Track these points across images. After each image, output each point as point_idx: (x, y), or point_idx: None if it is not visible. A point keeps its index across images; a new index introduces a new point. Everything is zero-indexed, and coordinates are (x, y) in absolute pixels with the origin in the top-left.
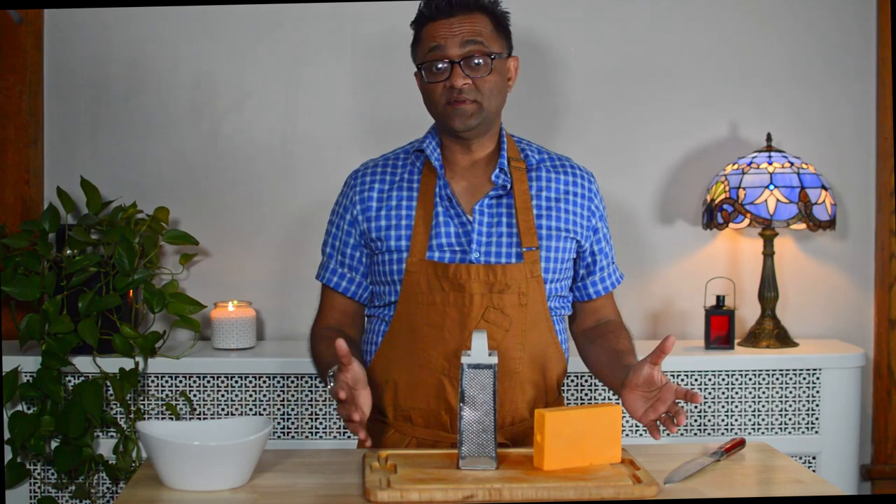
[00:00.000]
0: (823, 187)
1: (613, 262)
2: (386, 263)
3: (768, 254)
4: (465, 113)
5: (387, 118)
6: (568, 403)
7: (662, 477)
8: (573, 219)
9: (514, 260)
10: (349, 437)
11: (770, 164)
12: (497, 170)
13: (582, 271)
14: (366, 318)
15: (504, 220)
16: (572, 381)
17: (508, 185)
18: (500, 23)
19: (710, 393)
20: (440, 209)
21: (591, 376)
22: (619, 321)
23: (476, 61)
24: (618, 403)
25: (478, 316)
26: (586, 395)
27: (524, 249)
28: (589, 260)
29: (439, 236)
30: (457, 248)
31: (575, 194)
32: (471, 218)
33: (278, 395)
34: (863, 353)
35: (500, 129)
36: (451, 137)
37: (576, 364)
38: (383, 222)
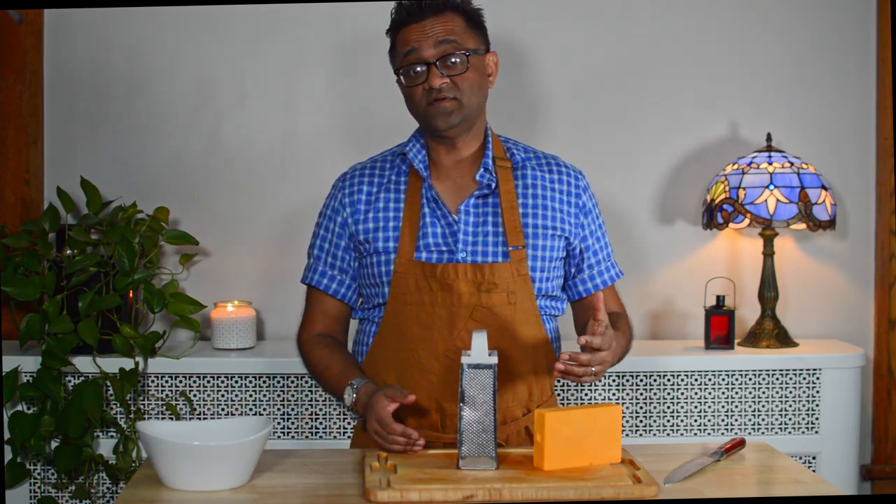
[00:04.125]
0: (823, 187)
1: (609, 259)
2: (374, 265)
3: (768, 254)
4: (445, 111)
5: (387, 118)
6: (568, 403)
7: (662, 477)
8: (560, 216)
9: (500, 259)
10: (349, 436)
11: (770, 164)
12: (481, 169)
13: (572, 269)
14: (357, 322)
15: (490, 219)
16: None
17: (494, 185)
18: (473, 20)
19: (710, 393)
20: (426, 210)
21: None
22: (621, 312)
23: (452, 60)
24: (618, 404)
25: (466, 315)
26: (586, 395)
27: (510, 248)
28: (579, 258)
29: (426, 237)
30: (444, 248)
31: (561, 192)
32: (456, 218)
33: (278, 395)
34: (863, 353)
35: (485, 129)
36: (435, 138)
37: None
38: (371, 224)
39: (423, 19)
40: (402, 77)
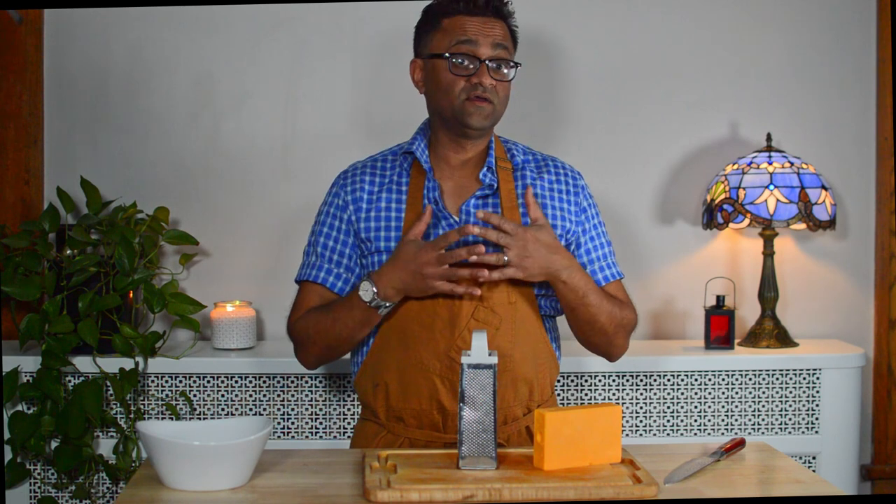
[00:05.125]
0: (823, 187)
1: (606, 259)
2: (375, 265)
3: (768, 254)
4: (483, 112)
5: (387, 118)
6: (567, 403)
7: (662, 477)
8: (560, 215)
9: None
10: (349, 436)
11: (770, 164)
12: (485, 169)
13: None
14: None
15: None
16: (572, 380)
17: (495, 185)
18: (514, 35)
19: (710, 393)
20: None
21: (591, 376)
22: (623, 302)
23: (503, 66)
24: (618, 404)
25: (467, 315)
26: (586, 395)
27: None
28: (576, 255)
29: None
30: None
31: (560, 191)
32: (458, 219)
33: (278, 395)
34: (863, 353)
35: (491, 131)
36: (449, 133)
37: (575, 364)
38: (373, 223)
39: (485, 16)
40: (448, 63)
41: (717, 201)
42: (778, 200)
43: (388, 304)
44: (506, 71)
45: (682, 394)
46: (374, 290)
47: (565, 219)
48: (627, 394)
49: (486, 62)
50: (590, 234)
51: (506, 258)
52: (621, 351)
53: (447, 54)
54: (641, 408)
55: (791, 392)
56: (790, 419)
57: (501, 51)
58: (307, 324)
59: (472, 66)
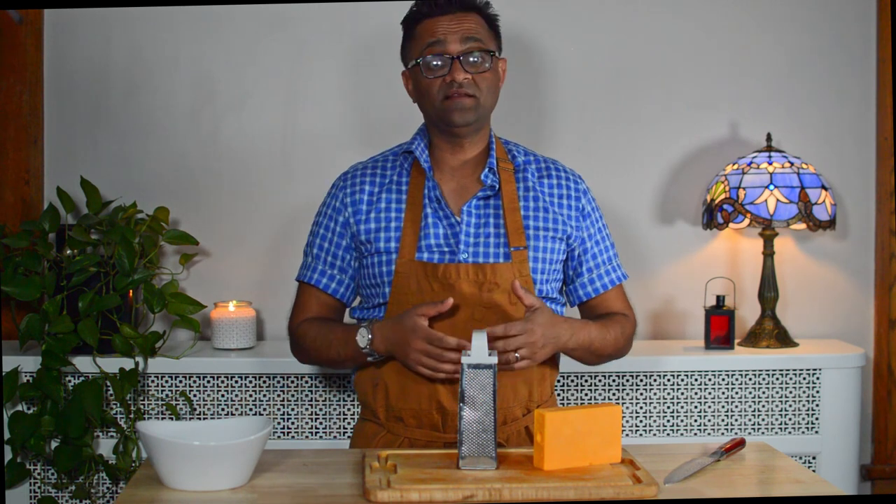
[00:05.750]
0: (823, 187)
1: (610, 262)
2: (375, 265)
3: (768, 254)
4: (463, 106)
5: (387, 118)
6: (567, 403)
7: (662, 477)
8: (561, 219)
9: (502, 260)
10: (349, 436)
11: (770, 164)
12: (486, 169)
13: (570, 272)
14: (356, 322)
15: (491, 220)
16: (572, 380)
17: (497, 186)
18: (493, 24)
19: (710, 393)
20: (429, 210)
21: (591, 376)
22: (622, 314)
23: (475, 58)
24: (618, 404)
25: (467, 315)
26: (586, 395)
27: (512, 249)
28: (577, 261)
29: (428, 237)
30: (445, 249)
31: (561, 196)
32: (459, 219)
33: (278, 395)
34: (863, 353)
35: (489, 131)
36: (443, 135)
37: (575, 364)
38: (372, 224)
39: (450, 13)
40: (421, 67)
41: (717, 201)
42: (778, 200)
43: (378, 356)
44: (479, 59)
45: (682, 394)
46: (370, 338)
47: (566, 224)
48: (627, 394)
49: (458, 58)
50: (594, 239)
51: (517, 355)
52: (625, 354)
53: (419, 60)
54: (641, 408)
55: (791, 392)
56: (790, 419)
57: (472, 43)
58: (305, 335)
59: (443, 65)
